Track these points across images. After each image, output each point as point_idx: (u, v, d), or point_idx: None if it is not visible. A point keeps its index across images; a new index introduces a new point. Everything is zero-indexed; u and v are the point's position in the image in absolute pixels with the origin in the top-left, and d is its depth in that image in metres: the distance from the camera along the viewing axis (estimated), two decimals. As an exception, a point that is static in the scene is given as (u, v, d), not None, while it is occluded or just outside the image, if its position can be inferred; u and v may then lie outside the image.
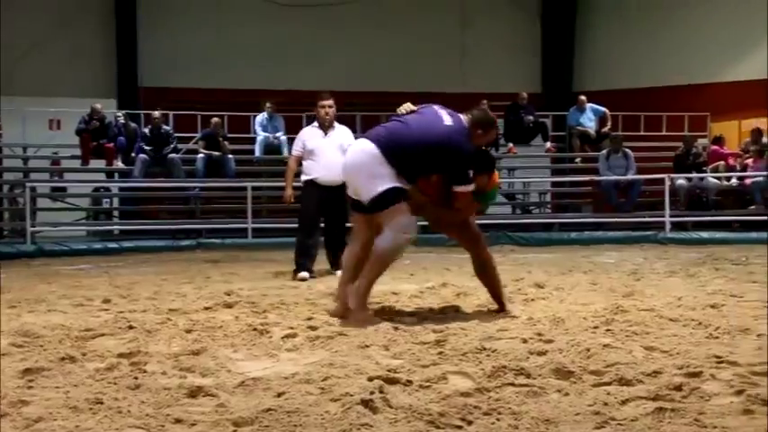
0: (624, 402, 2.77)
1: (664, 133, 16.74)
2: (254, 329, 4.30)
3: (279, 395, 2.92)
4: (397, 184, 4.55)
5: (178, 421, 2.61)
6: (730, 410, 2.64)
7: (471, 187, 4.63)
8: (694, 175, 14.55)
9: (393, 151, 4.56)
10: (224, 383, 3.11)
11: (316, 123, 7.85)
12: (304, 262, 7.52)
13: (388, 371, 3.21)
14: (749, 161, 14.65)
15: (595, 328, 4.18)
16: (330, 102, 7.68)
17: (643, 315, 4.60)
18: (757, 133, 15.14)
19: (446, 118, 4.67)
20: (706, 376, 3.07)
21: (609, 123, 16.13)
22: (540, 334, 3.98)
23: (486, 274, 4.88)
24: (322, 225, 7.74)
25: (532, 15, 18.64)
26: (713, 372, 3.12)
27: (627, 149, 14.51)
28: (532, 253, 10.18)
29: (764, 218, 13.63)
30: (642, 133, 16.85)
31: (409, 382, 3.05)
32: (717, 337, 3.88)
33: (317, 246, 7.67)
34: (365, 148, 4.67)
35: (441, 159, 4.58)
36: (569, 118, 16.23)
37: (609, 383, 3.03)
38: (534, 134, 15.89)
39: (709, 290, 5.92)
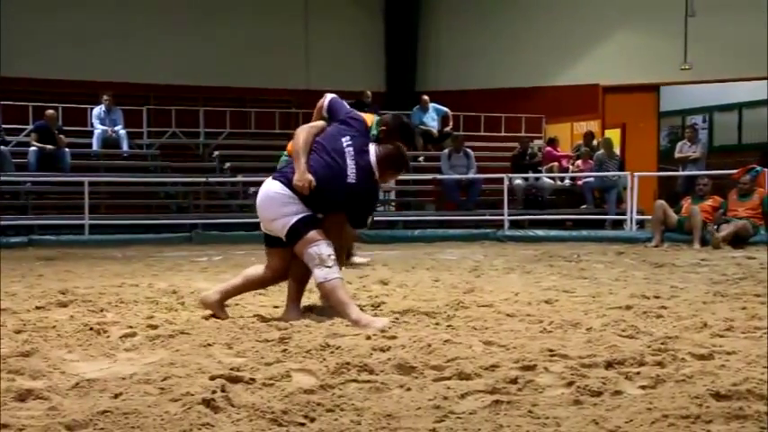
0: (463, 396, 2.83)
1: (502, 134, 17.33)
2: (91, 329, 4.14)
3: (116, 396, 2.82)
4: (305, 213, 4.43)
5: (4, 426, 2.48)
6: (561, 401, 2.75)
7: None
8: (530, 175, 15.14)
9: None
10: (56, 386, 2.97)
11: None
12: None
13: (231, 369, 3.16)
14: (579, 162, 15.38)
15: (437, 324, 4.27)
16: None
17: (482, 311, 4.74)
18: (590, 136, 15.92)
19: (350, 164, 4.45)
20: (540, 369, 3.18)
21: (451, 123, 16.55)
22: (383, 330, 4.02)
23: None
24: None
25: (376, 14, 18.84)
26: (546, 365, 3.24)
27: (468, 149, 14.93)
28: (376, 250, 10.30)
29: (595, 217, 14.36)
30: (482, 133, 17.38)
31: (252, 381, 3.01)
32: (550, 332, 4.04)
33: None
34: (272, 187, 4.53)
35: (345, 206, 4.52)
36: (413, 117, 16.52)
37: (449, 378, 3.10)
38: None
39: (544, 286, 6.16)
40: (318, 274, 4.38)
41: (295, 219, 4.43)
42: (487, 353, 3.52)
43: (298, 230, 4.42)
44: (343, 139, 4.52)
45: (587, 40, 17.39)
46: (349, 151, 4.49)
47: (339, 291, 4.40)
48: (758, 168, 11.57)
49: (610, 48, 17.36)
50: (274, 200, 4.48)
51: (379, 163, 4.52)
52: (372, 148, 4.55)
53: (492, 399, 2.76)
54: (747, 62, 15.92)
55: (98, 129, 14.75)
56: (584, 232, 12.67)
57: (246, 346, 3.71)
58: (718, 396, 2.72)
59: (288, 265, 4.59)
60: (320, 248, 4.38)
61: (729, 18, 15.91)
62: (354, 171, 4.45)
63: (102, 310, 4.85)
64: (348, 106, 4.85)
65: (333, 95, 4.87)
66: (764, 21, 15.63)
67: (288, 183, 4.46)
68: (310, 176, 4.40)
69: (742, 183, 10.96)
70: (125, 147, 15.10)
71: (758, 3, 15.80)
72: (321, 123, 4.71)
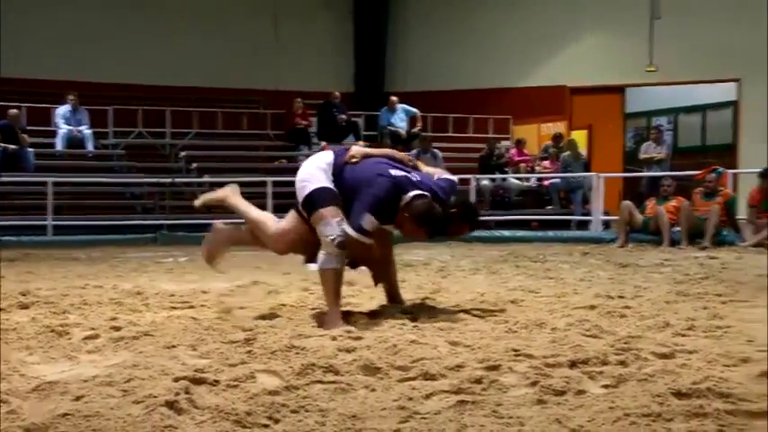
0: (428, 396, 2.84)
1: (470, 135, 17.40)
2: (52, 331, 4.09)
3: (77, 399, 2.79)
4: (328, 185, 4.35)
5: (-37, 431, 2.44)
6: (525, 401, 2.76)
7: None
8: (497, 176, 15.21)
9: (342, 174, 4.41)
10: (16, 389, 2.93)
11: None
12: None
13: (195, 371, 3.14)
14: (546, 163, 15.48)
15: (403, 324, 4.27)
16: None
17: (448, 311, 4.75)
18: (559, 137, 16.04)
19: (395, 173, 4.36)
20: (504, 369, 3.20)
21: (419, 124, 16.58)
22: (349, 331, 4.02)
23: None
24: None
25: (344, 15, 18.84)
26: (511, 364, 3.25)
27: (436, 150, 14.98)
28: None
29: (561, 217, 14.46)
30: (450, 134, 17.44)
31: (216, 382, 2.99)
32: (515, 332, 4.06)
33: None
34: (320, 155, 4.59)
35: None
36: (381, 118, 16.55)
37: (414, 378, 3.10)
38: (347, 133, 16.07)
39: (510, 286, 6.19)
40: (319, 257, 4.30)
41: (314, 186, 4.38)
42: (453, 353, 3.52)
43: (312, 200, 4.35)
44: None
45: (554, 42, 17.50)
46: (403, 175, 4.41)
47: (330, 284, 4.31)
48: (721, 169, 11.72)
49: (576, 49, 17.49)
50: (315, 162, 4.50)
51: (407, 205, 4.31)
52: (414, 192, 4.33)
53: (457, 399, 2.77)
54: (711, 64, 16.13)
55: (63, 128, 14.60)
56: (551, 233, 12.76)
57: (211, 348, 3.69)
58: (679, 394, 2.75)
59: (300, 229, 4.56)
60: (326, 229, 4.27)
61: (694, 20, 16.11)
62: (393, 177, 4.33)
63: (64, 312, 4.80)
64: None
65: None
66: (728, 23, 15.84)
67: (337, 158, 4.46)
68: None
69: (707, 182, 11.10)
70: (90, 147, 14.95)
71: (722, 5, 16.01)
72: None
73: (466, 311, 4.72)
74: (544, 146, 16.22)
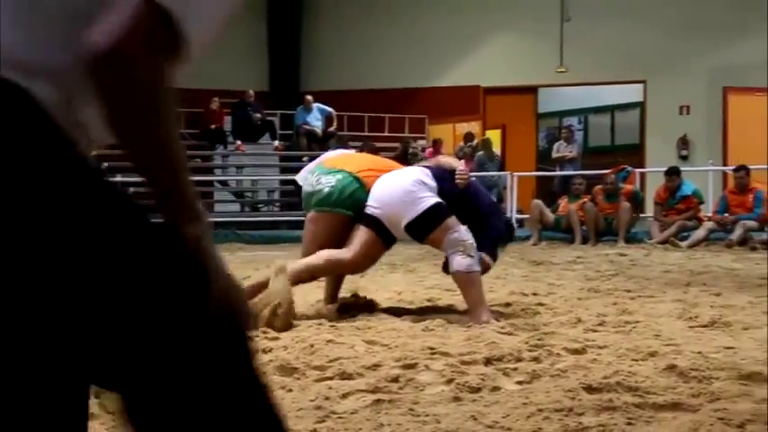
0: (345, 396, 2.84)
1: (386, 134, 17.46)
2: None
3: None
4: (440, 200, 4.44)
5: None
6: (441, 399, 2.79)
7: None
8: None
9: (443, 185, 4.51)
10: None
11: None
12: None
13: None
14: (462, 162, 15.64)
15: (320, 324, 4.27)
16: None
17: (366, 310, 4.76)
18: (469, 137, 16.24)
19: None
20: (421, 367, 3.22)
21: (335, 123, 16.57)
22: (265, 332, 3.99)
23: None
24: None
25: (258, 14, 18.70)
26: (427, 363, 3.28)
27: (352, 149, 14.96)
28: (261, 251, 10.21)
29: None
30: (366, 133, 17.45)
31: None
32: (432, 330, 4.10)
33: None
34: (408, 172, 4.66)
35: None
36: (296, 117, 16.48)
37: (331, 378, 3.10)
38: (262, 132, 15.97)
39: (427, 284, 6.24)
40: (461, 261, 4.34)
41: (434, 201, 4.41)
42: (370, 352, 3.53)
43: (436, 213, 4.39)
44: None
45: (468, 42, 17.70)
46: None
47: (478, 286, 4.37)
48: (629, 169, 12.05)
49: (490, 50, 17.73)
50: (412, 180, 4.51)
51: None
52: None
53: (373, 398, 2.78)
54: (619, 66, 16.55)
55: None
56: (466, 231, 12.86)
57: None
58: (589, 389, 2.82)
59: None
60: (462, 235, 4.36)
61: (602, 23, 16.51)
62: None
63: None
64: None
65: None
66: (635, 26, 16.29)
67: (432, 173, 4.52)
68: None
69: (608, 183, 11.36)
70: None
71: (630, 8, 16.45)
72: None
73: (383, 310, 4.74)
74: (459, 146, 16.40)
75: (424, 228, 4.45)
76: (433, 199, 4.44)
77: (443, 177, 4.57)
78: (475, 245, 4.39)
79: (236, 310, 1.14)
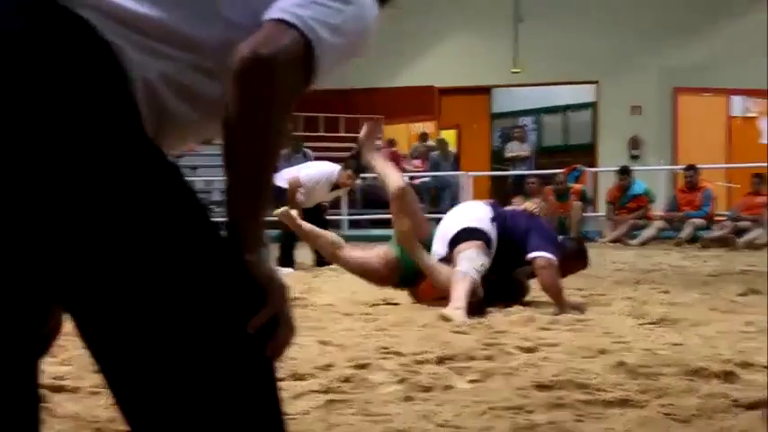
0: (297, 397, 2.82)
1: (342, 134, 17.43)
2: None
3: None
4: (484, 228, 4.94)
5: None
6: (394, 398, 2.79)
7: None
8: (368, 174, 15.30)
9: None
10: None
11: None
12: None
13: (54, 378, 3.02)
14: (417, 162, 15.71)
15: (273, 324, 4.24)
16: None
17: (320, 310, 4.75)
18: (424, 136, 16.29)
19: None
20: (374, 367, 3.22)
21: (290, 124, 16.49)
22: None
23: None
24: None
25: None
26: (380, 362, 3.28)
27: (307, 149, 14.92)
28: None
29: (432, 216, 14.68)
30: (321, 134, 17.42)
31: (77, 390, 2.90)
32: (385, 329, 4.10)
33: None
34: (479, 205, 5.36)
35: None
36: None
37: (283, 379, 3.08)
38: (216, 133, 15.82)
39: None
40: (465, 265, 4.69)
41: (472, 225, 4.94)
42: (323, 353, 3.53)
43: (467, 233, 4.88)
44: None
45: (422, 43, 17.73)
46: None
47: (463, 284, 4.62)
48: (581, 168, 12.19)
49: (444, 50, 17.79)
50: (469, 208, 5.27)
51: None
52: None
53: (326, 398, 2.77)
54: (572, 66, 16.71)
55: None
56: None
57: (72, 354, 3.56)
58: (541, 387, 2.85)
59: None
60: (479, 256, 4.79)
61: (556, 24, 16.65)
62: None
63: None
64: None
65: None
66: (587, 27, 16.47)
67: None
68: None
69: (559, 183, 11.48)
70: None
71: (582, 10, 16.63)
72: None
73: (337, 311, 4.74)
74: (414, 146, 16.44)
75: (460, 239, 4.88)
76: (474, 225, 4.96)
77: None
78: (485, 268, 4.79)
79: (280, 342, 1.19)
